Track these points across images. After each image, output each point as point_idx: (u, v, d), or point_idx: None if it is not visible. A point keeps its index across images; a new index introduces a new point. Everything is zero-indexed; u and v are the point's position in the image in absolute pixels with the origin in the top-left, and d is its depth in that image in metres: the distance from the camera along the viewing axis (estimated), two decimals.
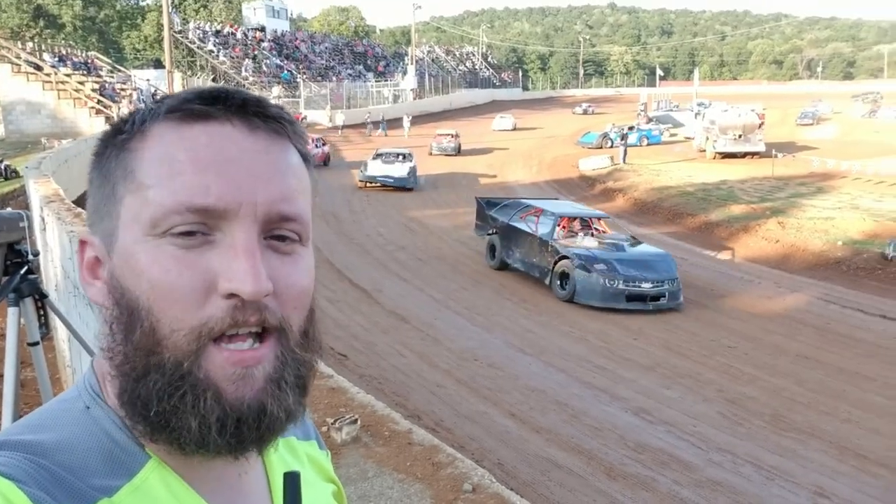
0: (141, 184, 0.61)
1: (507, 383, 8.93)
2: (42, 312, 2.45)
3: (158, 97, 0.81)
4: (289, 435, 0.81)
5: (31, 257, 2.40)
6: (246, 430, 0.60)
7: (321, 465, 0.85)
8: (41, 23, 47.66)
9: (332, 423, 4.06)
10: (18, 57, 32.94)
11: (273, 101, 0.69)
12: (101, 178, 0.65)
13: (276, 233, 0.63)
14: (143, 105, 0.68)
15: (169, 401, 0.59)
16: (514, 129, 46.98)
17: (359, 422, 4.06)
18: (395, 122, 43.04)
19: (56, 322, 2.74)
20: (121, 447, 0.62)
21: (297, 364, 0.64)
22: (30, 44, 37.99)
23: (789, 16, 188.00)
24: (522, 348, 10.31)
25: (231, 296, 0.59)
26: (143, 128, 0.63)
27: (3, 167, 22.45)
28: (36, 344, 2.47)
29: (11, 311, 2.39)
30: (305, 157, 0.70)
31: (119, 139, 0.65)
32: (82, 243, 0.68)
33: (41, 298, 2.45)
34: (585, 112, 60.33)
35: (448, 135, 35.34)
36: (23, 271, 2.35)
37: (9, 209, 2.81)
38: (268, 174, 0.63)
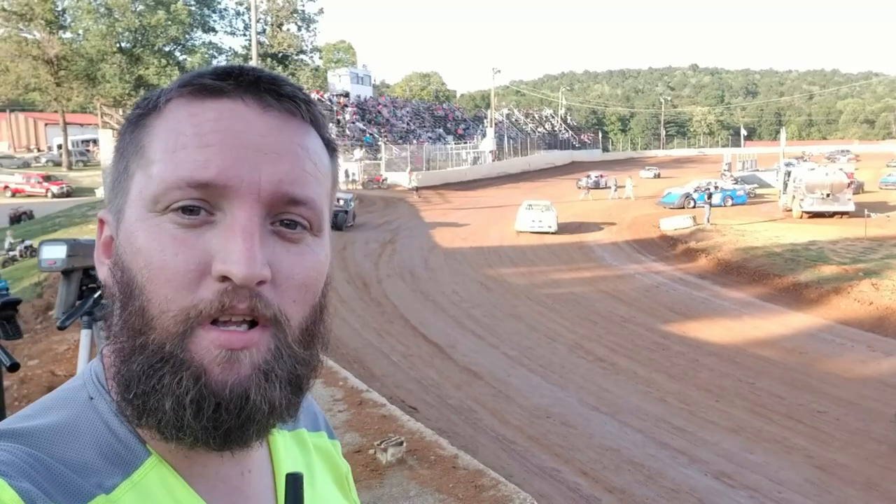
0: (149, 160, 0.60)
1: (580, 441, 8.69)
2: None
3: None
4: (298, 427, 0.79)
5: None
6: (225, 415, 0.57)
7: (331, 456, 0.83)
8: (141, 92, 50.93)
9: (377, 445, 4.07)
10: (119, 123, 35.38)
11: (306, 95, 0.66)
12: (118, 154, 0.65)
13: (285, 218, 0.60)
14: None
15: (148, 382, 0.57)
16: (556, 231, 26.57)
17: (404, 444, 4.06)
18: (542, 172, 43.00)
19: None
20: (121, 441, 0.59)
21: (292, 360, 0.60)
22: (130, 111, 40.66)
23: (881, 74, 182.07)
24: (597, 407, 10.03)
25: (223, 279, 0.56)
26: (160, 104, 0.62)
27: (23, 247, 22.46)
28: None
29: (84, 334, 2.51)
30: (328, 144, 0.68)
31: (136, 115, 0.64)
32: (100, 221, 0.67)
33: None
34: (597, 185, 45.90)
35: None
36: (96, 296, 2.48)
37: (86, 236, 2.99)
38: (276, 153, 0.60)
